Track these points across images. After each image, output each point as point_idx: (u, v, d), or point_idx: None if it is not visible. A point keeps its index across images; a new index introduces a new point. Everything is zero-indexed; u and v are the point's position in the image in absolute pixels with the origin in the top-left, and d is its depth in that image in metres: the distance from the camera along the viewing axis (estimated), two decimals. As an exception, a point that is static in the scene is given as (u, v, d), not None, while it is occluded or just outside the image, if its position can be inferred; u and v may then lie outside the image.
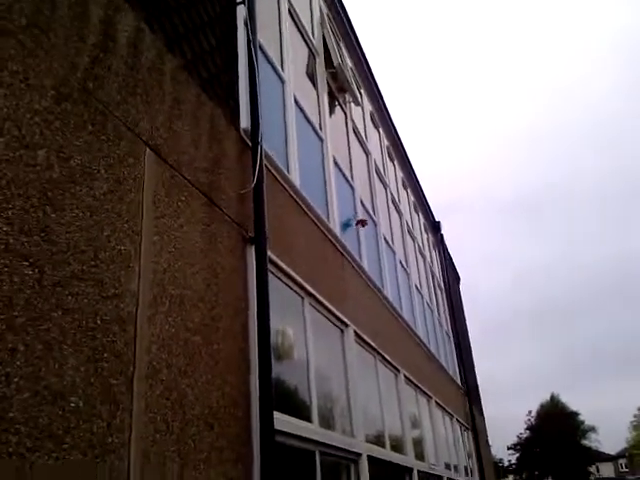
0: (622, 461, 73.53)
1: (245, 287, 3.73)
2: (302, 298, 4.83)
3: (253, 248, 3.83)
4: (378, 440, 6.43)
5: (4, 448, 1.78)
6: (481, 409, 19.29)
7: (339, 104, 7.95)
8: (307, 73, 6.77)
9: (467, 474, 12.82)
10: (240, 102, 4.24)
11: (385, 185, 10.10)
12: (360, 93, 9.02)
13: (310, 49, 6.91)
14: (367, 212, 8.12)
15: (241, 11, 4.58)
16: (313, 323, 4.92)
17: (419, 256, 12.46)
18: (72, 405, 2.07)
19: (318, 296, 5.04)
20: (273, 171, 4.58)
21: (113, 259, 2.48)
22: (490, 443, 20.71)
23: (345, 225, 6.79)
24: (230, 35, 4.38)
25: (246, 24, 4.49)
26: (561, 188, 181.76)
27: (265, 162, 4.17)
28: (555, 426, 57.15)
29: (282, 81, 5.56)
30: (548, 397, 63.67)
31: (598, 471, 67.61)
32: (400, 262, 9.96)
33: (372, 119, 10.15)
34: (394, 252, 9.62)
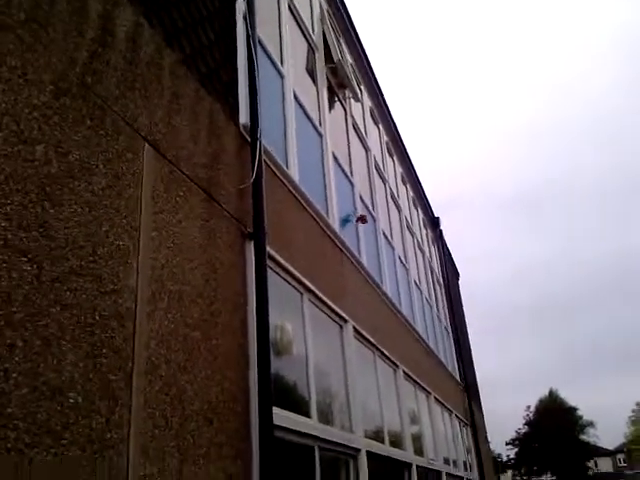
0: (620, 456, 73.77)
1: (244, 282, 3.73)
2: (301, 294, 4.83)
3: (252, 243, 3.83)
4: (377, 435, 6.44)
5: (3, 444, 1.78)
6: (480, 405, 19.33)
7: (339, 100, 7.93)
8: (307, 69, 6.75)
9: (466, 469, 12.85)
10: (239, 97, 4.23)
11: (384, 181, 10.09)
12: (360, 89, 9.01)
13: (310, 44, 6.89)
14: (366, 208, 8.11)
15: (240, 6, 4.56)
16: (312, 319, 4.92)
17: (418, 252, 12.46)
18: (71, 401, 2.07)
19: (317, 292, 5.04)
20: (272, 166, 4.57)
21: (112, 255, 2.48)
22: (489, 439, 20.75)
23: (344, 221, 6.78)
24: (229, 30, 4.37)
25: (245, 19, 4.48)
26: (561, 184, 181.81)
27: (264, 157, 4.16)
28: (554, 421, 57.26)
29: (281, 76, 5.54)
30: (547, 392, 63.88)
31: (596, 466, 67.77)
32: (399, 258, 9.96)
33: (372, 115, 10.13)
34: (393, 248, 9.62)
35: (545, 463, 58.76)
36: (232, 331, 3.43)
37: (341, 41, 8.32)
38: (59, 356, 2.06)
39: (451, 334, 15.23)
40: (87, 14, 2.64)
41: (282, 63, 5.59)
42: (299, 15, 6.54)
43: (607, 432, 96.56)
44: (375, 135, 10.22)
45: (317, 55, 7.04)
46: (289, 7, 6.22)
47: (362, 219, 7.35)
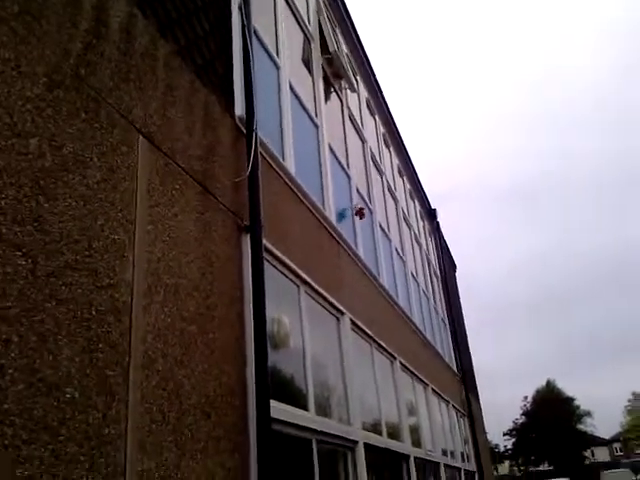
0: (617, 445, 74.30)
1: (240, 275, 3.72)
2: (298, 286, 4.82)
3: (248, 236, 3.81)
4: (375, 427, 6.45)
5: (0, 441, 1.76)
6: (477, 396, 19.40)
7: (335, 91, 7.89)
8: (302, 59, 6.71)
9: (463, 460, 12.91)
10: (235, 89, 4.20)
11: (381, 172, 10.07)
12: (356, 80, 8.97)
13: (305, 35, 6.85)
14: (363, 199, 8.09)
15: (235, -4, 4.52)
16: (309, 311, 4.91)
17: (415, 244, 12.46)
18: (67, 396, 2.06)
19: (314, 284, 5.03)
20: (268, 158, 4.55)
21: (107, 248, 2.46)
22: (486, 430, 20.84)
23: (340, 215, 6.75)
24: (224, 20, 4.33)
25: (240, 9, 4.43)
26: (557, 176, 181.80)
27: (260, 149, 4.13)
28: (551, 411, 57.51)
29: (277, 67, 5.51)
30: (544, 383, 64.14)
31: (593, 455, 68.26)
32: (396, 250, 9.95)
33: (368, 106, 10.09)
34: (390, 240, 9.61)
35: (542, 453, 59.06)
36: (229, 324, 3.41)
37: (337, 31, 8.27)
38: (55, 351, 2.05)
39: (448, 325, 15.26)
40: (81, 5, 2.61)
41: (278, 54, 5.55)
42: (295, 5, 6.49)
43: (604, 422, 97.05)
44: (371, 126, 10.18)
45: (313, 45, 7.00)
46: (284, -3, 6.17)
47: (360, 213, 7.32)
